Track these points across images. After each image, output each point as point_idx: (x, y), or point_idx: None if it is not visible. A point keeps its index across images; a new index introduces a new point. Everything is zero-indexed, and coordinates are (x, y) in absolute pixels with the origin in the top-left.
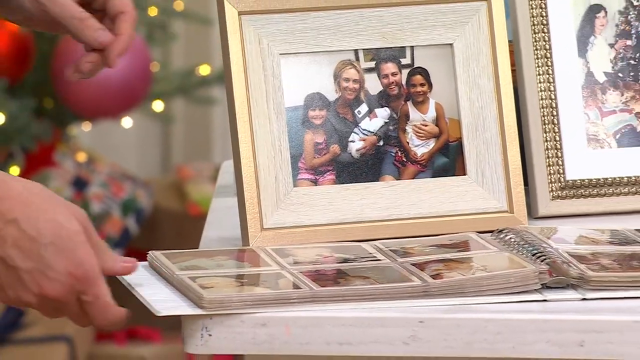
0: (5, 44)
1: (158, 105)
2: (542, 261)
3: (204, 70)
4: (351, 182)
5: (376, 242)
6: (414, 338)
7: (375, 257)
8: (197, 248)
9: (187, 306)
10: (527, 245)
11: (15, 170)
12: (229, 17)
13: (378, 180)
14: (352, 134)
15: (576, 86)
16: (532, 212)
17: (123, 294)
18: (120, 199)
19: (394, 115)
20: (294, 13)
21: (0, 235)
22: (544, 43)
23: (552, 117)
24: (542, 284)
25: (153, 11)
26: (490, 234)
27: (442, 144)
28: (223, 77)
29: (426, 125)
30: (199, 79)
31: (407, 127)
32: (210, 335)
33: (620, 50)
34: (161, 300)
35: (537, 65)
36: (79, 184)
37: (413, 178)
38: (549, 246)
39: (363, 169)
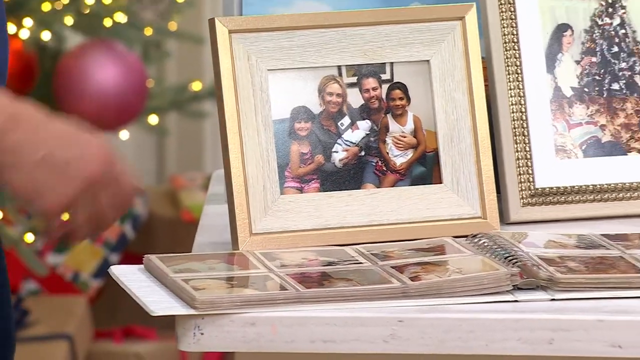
0: (10, 63)
1: (153, 119)
2: (513, 264)
3: (196, 86)
4: (335, 190)
5: (358, 246)
6: (394, 336)
7: (357, 260)
8: (189, 252)
9: (180, 306)
10: (499, 249)
11: None
12: (220, 36)
13: (360, 188)
14: (336, 144)
15: (545, 100)
16: (504, 218)
17: (121, 295)
18: None
19: (375, 127)
20: (281, 31)
21: (43, 137)
22: (515, 60)
23: (522, 129)
24: (513, 286)
25: (148, 31)
26: (465, 238)
27: (420, 154)
28: (214, 92)
29: (405, 137)
30: (191, 95)
31: (386, 139)
32: (202, 334)
33: (586, 67)
34: (156, 301)
35: (508, 80)
36: None
37: (392, 186)
38: (520, 250)
39: (346, 177)
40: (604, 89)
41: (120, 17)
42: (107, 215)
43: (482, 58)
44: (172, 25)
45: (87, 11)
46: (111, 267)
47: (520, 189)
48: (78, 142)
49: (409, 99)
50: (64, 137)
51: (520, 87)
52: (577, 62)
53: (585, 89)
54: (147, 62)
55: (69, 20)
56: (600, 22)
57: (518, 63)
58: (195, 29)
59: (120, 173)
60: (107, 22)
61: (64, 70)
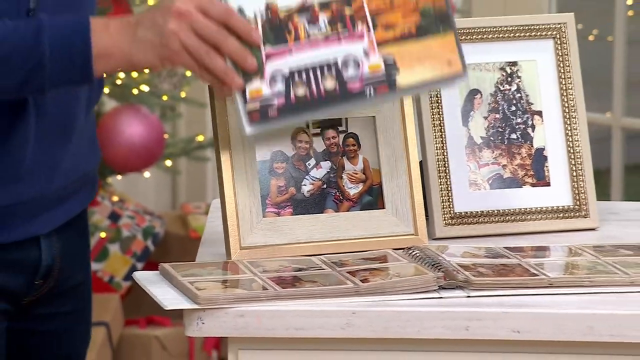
0: None
1: (168, 163)
2: (438, 270)
3: (200, 138)
4: (304, 214)
5: (321, 257)
6: (349, 324)
7: (321, 267)
8: (194, 261)
9: (186, 302)
10: (427, 258)
11: None
12: (217, 101)
13: (323, 212)
14: (304, 179)
15: (461, 146)
16: (430, 235)
17: (144, 293)
18: (143, 227)
19: (334, 167)
20: None
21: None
22: (439, 116)
23: (444, 168)
24: (439, 286)
25: (165, 98)
26: (402, 250)
27: (368, 187)
28: (213, 142)
29: (356, 174)
30: (197, 144)
31: (343, 175)
32: (203, 323)
33: (491, 121)
34: (168, 298)
35: (434, 131)
36: (114, 217)
37: (347, 211)
38: (443, 259)
39: (312, 204)
40: (505, 138)
41: (145, 87)
42: (214, 37)
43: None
44: (183, 93)
45: (120, 82)
46: (135, 273)
47: (443, 212)
48: (158, 6)
49: (359, 145)
50: (145, 12)
51: (443, 136)
52: (485, 118)
53: (491, 138)
54: (164, 120)
55: (106, 90)
56: (502, 88)
57: (441, 118)
58: (201, 96)
59: (206, 0)
60: (134, 91)
61: (103, 127)
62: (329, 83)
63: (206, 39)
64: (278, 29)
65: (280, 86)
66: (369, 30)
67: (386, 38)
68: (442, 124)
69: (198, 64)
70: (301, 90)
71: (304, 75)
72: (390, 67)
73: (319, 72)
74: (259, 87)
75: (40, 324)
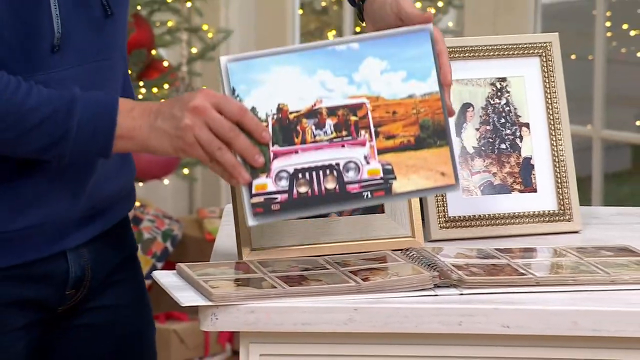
0: None
1: (185, 171)
2: (434, 269)
3: None
4: (310, 218)
5: (326, 257)
6: (351, 320)
7: (325, 267)
8: (209, 261)
9: (201, 299)
10: (424, 259)
11: None
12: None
13: (327, 217)
14: None
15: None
16: (427, 237)
17: (161, 292)
18: (162, 230)
19: None
20: None
21: (150, 107)
22: None
23: None
24: (434, 285)
25: None
26: (400, 251)
27: None
28: None
29: None
30: None
31: None
32: (217, 318)
33: (483, 132)
34: (185, 295)
35: None
36: (136, 221)
37: (350, 215)
38: (438, 259)
39: None
40: (495, 147)
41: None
42: (228, 133)
43: None
44: None
45: (140, 97)
46: (153, 272)
47: (438, 216)
48: (177, 98)
49: None
50: (165, 102)
51: None
52: (477, 129)
53: (482, 148)
54: None
55: None
56: (492, 102)
57: None
58: None
59: (222, 99)
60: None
61: None
62: (330, 183)
63: (219, 135)
64: (287, 130)
65: (284, 183)
66: (371, 138)
67: (386, 146)
68: None
69: (210, 157)
70: (304, 188)
71: (307, 175)
72: (388, 174)
73: (321, 173)
74: (265, 183)
75: (79, 318)
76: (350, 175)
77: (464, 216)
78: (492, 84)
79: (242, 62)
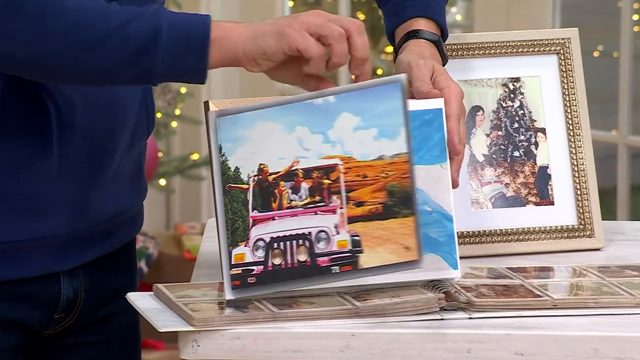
0: None
1: (162, 181)
2: (440, 291)
3: (195, 156)
4: None
5: None
6: (348, 347)
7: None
8: (189, 282)
9: (181, 324)
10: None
11: None
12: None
13: None
14: None
15: (462, 164)
16: None
17: (135, 314)
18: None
19: None
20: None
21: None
22: None
23: None
24: (440, 307)
25: (159, 114)
26: None
27: None
28: (208, 161)
29: None
30: (191, 163)
31: None
32: (198, 345)
33: (494, 139)
34: (163, 319)
35: None
36: None
37: None
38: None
39: None
40: (508, 155)
41: None
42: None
43: None
44: (177, 111)
45: None
46: (128, 294)
47: None
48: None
49: None
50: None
51: None
52: (487, 135)
53: (494, 156)
54: (158, 138)
55: None
56: (504, 105)
57: None
58: (195, 114)
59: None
60: None
61: None
62: (302, 255)
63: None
64: (265, 194)
65: (261, 253)
66: (342, 204)
67: (355, 214)
68: None
69: (324, 40)
70: (278, 260)
71: (281, 245)
72: (356, 246)
73: (294, 243)
74: (243, 252)
75: (66, 354)
76: (320, 247)
77: (473, 232)
78: (505, 85)
79: (230, 117)
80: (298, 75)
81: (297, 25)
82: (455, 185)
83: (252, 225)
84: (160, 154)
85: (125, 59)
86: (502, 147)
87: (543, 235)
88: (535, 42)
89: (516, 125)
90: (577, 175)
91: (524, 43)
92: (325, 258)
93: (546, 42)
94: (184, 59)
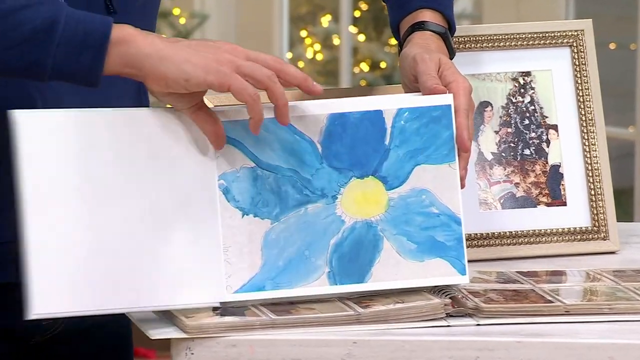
0: None
1: None
2: (446, 296)
3: None
4: None
5: None
6: (349, 355)
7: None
8: None
9: (174, 331)
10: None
11: None
12: None
13: None
14: None
15: (470, 163)
16: None
17: (127, 322)
18: None
19: None
20: None
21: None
22: None
23: None
24: (446, 313)
25: None
26: None
27: None
28: None
29: None
30: None
31: None
32: (192, 353)
33: (503, 136)
34: (155, 327)
35: None
36: None
37: None
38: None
39: None
40: (518, 153)
41: None
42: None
43: None
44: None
45: None
46: None
47: None
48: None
49: None
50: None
51: None
52: (496, 132)
53: (503, 154)
54: None
55: None
56: (514, 100)
57: None
58: None
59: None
60: None
61: None
62: None
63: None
64: None
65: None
66: None
67: None
68: None
69: (259, 83)
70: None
71: None
72: None
73: None
74: None
75: None
76: None
77: (481, 234)
78: (515, 79)
79: None
80: (189, 108)
81: (227, 64)
82: (462, 185)
83: None
84: None
85: (16, 46)
86: (512, 144)
87: (555, 238)
88: (547, 34)
89: (527, 121)
90: (590, 174)
91: (535, 35)
92: None
93: (558, 34)
94: (79, 56)
